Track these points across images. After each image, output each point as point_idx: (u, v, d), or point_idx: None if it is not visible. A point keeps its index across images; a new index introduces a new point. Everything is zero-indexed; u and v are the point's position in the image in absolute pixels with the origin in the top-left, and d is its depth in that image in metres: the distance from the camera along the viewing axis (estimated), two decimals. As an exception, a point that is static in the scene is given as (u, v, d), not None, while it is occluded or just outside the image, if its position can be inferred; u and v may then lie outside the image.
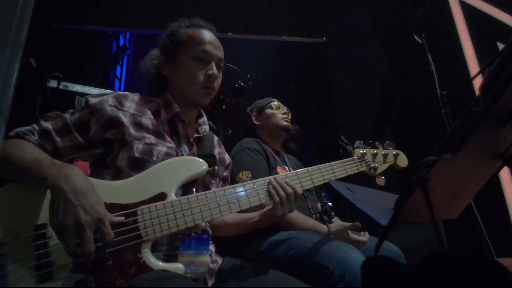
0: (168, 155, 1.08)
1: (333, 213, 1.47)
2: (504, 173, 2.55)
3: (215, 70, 1.17)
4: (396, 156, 1.41)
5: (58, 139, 1.03)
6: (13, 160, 0.89)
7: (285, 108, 1.95)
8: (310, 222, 1.46)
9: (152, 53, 1.27)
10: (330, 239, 1.28)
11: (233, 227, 1.29)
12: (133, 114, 1.10)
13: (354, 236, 1.40)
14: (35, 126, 1.04)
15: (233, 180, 1.48)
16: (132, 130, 1.06)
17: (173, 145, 1.11)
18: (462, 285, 0.48)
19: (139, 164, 1.03)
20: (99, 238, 0.84)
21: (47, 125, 1.04)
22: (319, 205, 1.82)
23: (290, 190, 1.08)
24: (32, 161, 0.88)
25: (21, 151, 0.92)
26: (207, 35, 1.20)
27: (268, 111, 1.91)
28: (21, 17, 0.47)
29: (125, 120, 1.06)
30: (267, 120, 1.90)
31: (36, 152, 0.94)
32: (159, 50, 1.25)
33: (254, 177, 1.50)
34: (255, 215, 1.25)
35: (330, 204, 1.56)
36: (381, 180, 1.34)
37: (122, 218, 0.91)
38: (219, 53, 1.21)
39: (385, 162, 1.39)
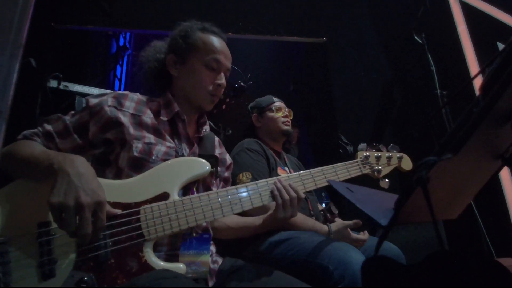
0: (167, 155, 1.08)
1: (337, 212, 1.46)
2: (504, 173, 2.55)
3: (224, 81, 1.20)
4: (400, 158, 1.40)
5: (59, 141, 1.06)
6: (23, 154, 0.95)
7: (286, 110, 1.92)
8: (310, 222, 1.46)
9: (156, 45, 1.26)
10: (330, 239, 1.28)
11: (235, 231, 1.29)
12: (132, 113, 1.10)
13: (354, 234, 1.40)
14: (40, 129, 1.07)
15: (233, 181, 1.48)
16: (131, 130, 1.06)
17: (172, 145, 1.12)
18: (462, 285, 0.48)
19: (138, 164, 1.04)
20: (102, 237, 0.86)
21: (49, 128, 1.07)
22: (319, 205, 1.82)
23: (293, 194, 1.08)
24: (41, 152, 0.95)
25: (30, 147, 0.99)
26: (220, 44, 1.22)
27: (269, 114, 1.89)
28: (21, 17, 0.47)
29: (125, 120, 1.07)
30: (267, 123, 1.89)
31: (44, 148, 1.02)
32: (168, 48, 1.24)
33: (254, 178, 1.50)
34: (257, 219, 1.25)
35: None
36: (385, 183, 1.33)
37: (118, 211, 0.92)
38: (229, 63, 1.23)
39: (389, 164, 1.37)
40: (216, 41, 1.21)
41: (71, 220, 0.78)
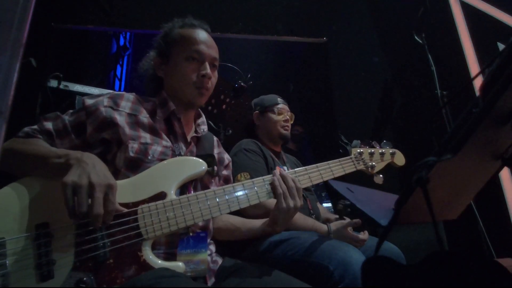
0: (163, 155, 1.08)
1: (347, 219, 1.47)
2: (504, 173, 2.55)
3: (208, 70, 1.16)
4: (393, 154, 1.42)
5: (58, 141, 1.06)
6: (37, 152, 0.95)
7: (288, 113, 1.91)
8: (310, 221, 1.46)
9: (150, 54, 1.28)
10: (330, 239, 1.28)
11: (240, 232, 1.29)
12: (129, 113, 1.10)
13: (354, 234, 1.40)
14: (39, 126, 1.07)
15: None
16: (127, 130, 1.06)
17: (169, 144, 1.12)
18: (462, 285, 0.48)
19: (135, 164, 1.04)
20: (100, 237, 0.86)
21: (49, 126, 1.07)
22: (319, 204, 1.82)
23: (292, 183, 1.09)
24: (57, 150, 0.97)
25: (43, 145, 1.00)
26: (200, 34, 1.19)
27: (270, 115, 1.89)
28: (22, 17, 0.47)
29: (121, 120, 1.07)
30: (267, 124, 1.88)
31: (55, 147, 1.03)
32: (154, 51, 1.26)
33: (252, 178, 1.50)
34: (263, 220, 1.26)
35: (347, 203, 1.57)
36: (379, 179, 1.35)
37: (124, 209, 0.92)
38: (213, 52, 1.20)
39: (382, 160, 1.40)
40: (195, 33, 1.19)
41: (83, 200, 0.81)
